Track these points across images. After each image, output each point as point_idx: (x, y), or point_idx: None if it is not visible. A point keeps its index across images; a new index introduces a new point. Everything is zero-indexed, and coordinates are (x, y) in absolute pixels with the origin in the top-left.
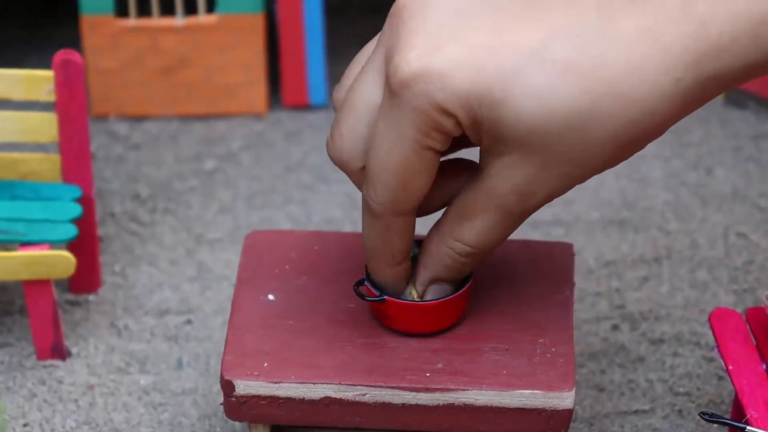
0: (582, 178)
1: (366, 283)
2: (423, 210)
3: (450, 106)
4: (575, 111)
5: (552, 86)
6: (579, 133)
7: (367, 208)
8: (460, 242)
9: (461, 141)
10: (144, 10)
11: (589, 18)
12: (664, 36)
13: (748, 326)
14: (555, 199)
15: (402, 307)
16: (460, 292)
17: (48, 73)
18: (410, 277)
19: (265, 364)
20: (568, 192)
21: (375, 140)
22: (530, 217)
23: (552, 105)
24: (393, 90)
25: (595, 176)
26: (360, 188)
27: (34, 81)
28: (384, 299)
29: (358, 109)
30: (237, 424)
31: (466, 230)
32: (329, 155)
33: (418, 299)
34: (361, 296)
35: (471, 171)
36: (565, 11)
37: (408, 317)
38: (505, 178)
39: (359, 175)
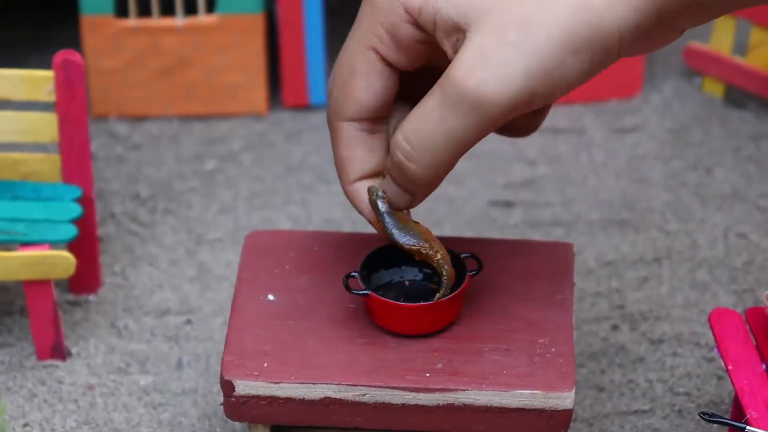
0: (530, 61)
1: (357, 275)
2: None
3: None
4: None
5: None
6: None
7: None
8: (399, 131)
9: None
10: (144, 11)
11: None
12: None
13: (747, 326)
14: (554, 199)
15: (381, 305)
16: (444, 298)
17: (48, 74)
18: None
19: (265, 365)
20: (568, 192)
21: None
22: (530, 217)
23: None
24: None
25: (595, 177)
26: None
27: (35, 81)
28: (368, 294)
29: (341, 64)
30: (237, 424)
31: (408, 117)
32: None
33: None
34: (348, 288)
35: None
36: None
37: (388, 315)
38: (458, 55)
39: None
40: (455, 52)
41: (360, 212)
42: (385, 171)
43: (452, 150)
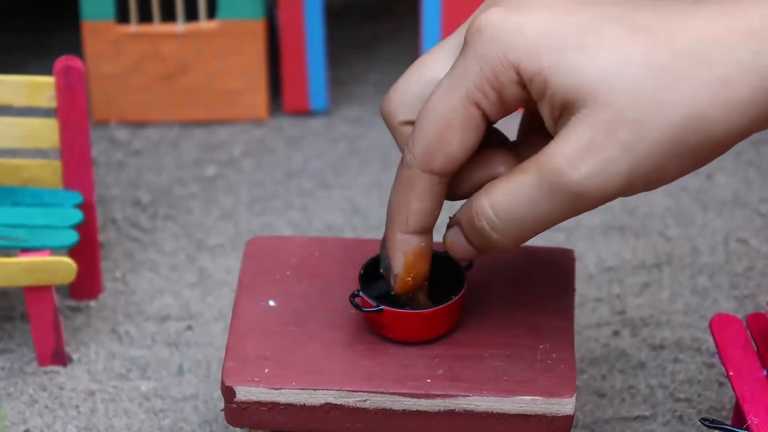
0: (637, 162)
1: (361, 293)
2: (456, 192)
3: (515, 55)
4: (648, 65)
5: (629, 40)
6: (647, 90)
7: (402, 161)
8: (485, 197)
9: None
10: (145, 17)
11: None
12: (743, 14)
13: (748, 332)
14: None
15: (397, 316)
16: (450, 302)
17: (49, 80)
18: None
19: (266, 370)
20: None
21: (432, 91)
22: None
23: (627, 57)
24: (466, 39)
25: None
26: (399, 146)
27: (36, 87)
28: (381, 309)
29: (422, 70)
30: (238, 430)
31: (496, 187)
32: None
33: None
34: (358, 307)
35: (511, 159)
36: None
37: (403, 325)
38: (561, 138)
39: (399, 131)
40: (555, 124)
41: (391, 262)
42: (455, 221)
43: (539, 227)
